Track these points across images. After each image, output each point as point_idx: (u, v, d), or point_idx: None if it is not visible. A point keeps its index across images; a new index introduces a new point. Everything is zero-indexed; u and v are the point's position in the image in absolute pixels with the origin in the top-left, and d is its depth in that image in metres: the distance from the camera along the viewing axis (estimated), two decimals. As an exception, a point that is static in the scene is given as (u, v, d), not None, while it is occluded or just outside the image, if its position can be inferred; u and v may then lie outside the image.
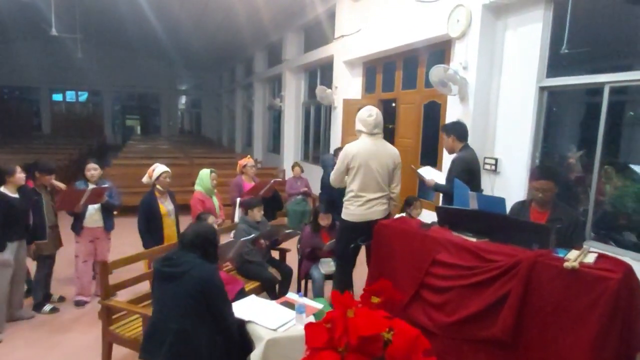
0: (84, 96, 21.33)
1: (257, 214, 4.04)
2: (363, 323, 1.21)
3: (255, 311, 2.56)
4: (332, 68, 8.20)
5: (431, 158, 5.86)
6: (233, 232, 4.07)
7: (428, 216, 3.96)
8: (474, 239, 2.57)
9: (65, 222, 4.20)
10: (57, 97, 20.57)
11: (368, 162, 3.26)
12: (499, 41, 4.64)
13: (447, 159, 4.53)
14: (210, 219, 3.65)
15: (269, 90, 13.49)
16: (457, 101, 4.89)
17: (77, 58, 12.27)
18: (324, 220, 4.04)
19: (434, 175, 3.84)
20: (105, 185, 4.08)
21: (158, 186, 3.90)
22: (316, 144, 10.39)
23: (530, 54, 4.32)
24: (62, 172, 7.96)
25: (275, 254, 4.26)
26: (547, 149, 4.67)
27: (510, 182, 4.54)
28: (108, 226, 4.20)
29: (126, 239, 4.65)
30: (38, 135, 17.39)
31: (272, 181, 5.07)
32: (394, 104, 6.88)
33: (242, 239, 3.57)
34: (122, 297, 3.17)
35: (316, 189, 6.43)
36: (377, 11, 6.64)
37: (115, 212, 4.29)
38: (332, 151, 6.66)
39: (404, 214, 3.90)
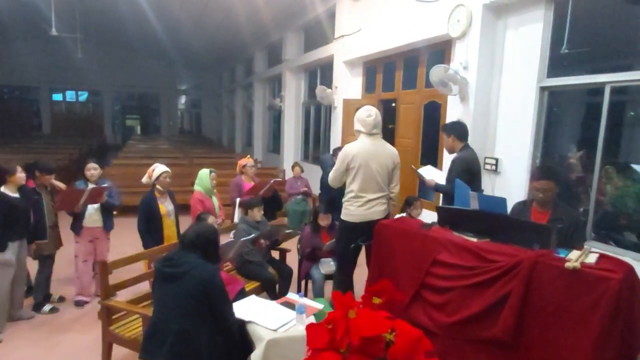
0: (84, 96, 21.33)
1: (257, 214, 4.03)
2: (365, 324, 1.21)
3: (255, 311, 2.55)
4: (332, 68, 8.20)
5: (431, 158, 5.86)
6: (233, 232, 4.06)
7: (428, 216, 3.96)
8: (474, 239, 2.56)
9: (64, 222, 4.20)
10: (57, 97, 20.56)
11: (368, 163, 3.25)
12: (500, 41, 4.63)
13: (447, 159, 4.52)
14: (210, 219, 3.65)
15: (269, 90, 13.49)
16: (457, 101, 4.89)
17: (77, 58, 12.26)
18: (324, 221, 4.03)
19: (435, 175, 3.84)
20: (105, 185, 4.07)
21: (158, 186, 3.89)
22: (316, 144, 10.39)
23: (530, 54, 4.31)
24: (62, 172, 7.95)
25: (275, 254, 4.26)
26: (548, 149, 4.66)
27: (510, 182, 4.53)
28: (107, 226, 4.19)
29: (126, 239, 4.65)
30: (38, 135, 17.38)
31: (272, 181, 5.06)
32: (394, 104, 6.88)
33: (242, 239, 3.57)
34: (122, 297, 3.16)
35: (316, 189, 6.43)
36: (377, 11, 6.63)
37: (114, 212, 4.28)
38: (331, 151, 6.65)
39: (404, 214, 3.90)
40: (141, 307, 3.03)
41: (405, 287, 2.71)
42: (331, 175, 3.44)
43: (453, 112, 5.00)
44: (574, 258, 2.16)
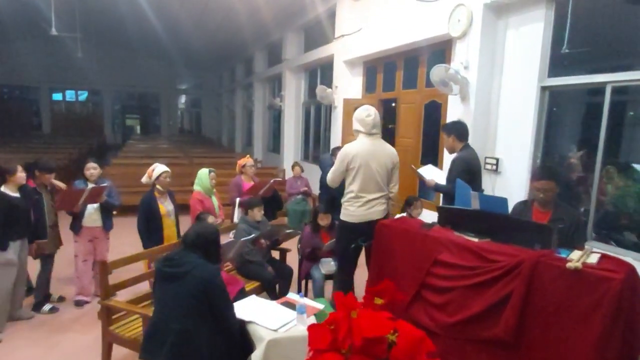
0: (83, 96, 21.31)
1: (258, 213, 4.02)
2: (367, 325, 1.20)
3: (256, 311, 2.54)
4: (333, 68, 8.19)
5: (432, 158, 5.85)
6: (233, 232, 4.05)
7: (428, 216, 3.95)
8: (475, 239, 2.56)
9: (64, 222, 4.19)
10: (57, 96, 20.54)
11: (368, 163, 3.24)
12: (500, 41, 4.63)
13: (447, 158, 4.52)
14: (210, 219, 3.64)
15: (269, 89, 13.48)
16: (458, 101, 4.88)
17: (77, 57, 12.24)
18: (324, 220, 4.02)
19: (435, 174, 3.83)
20: (104, 184, 4.06)
21: (158, 186, 3.88)
22: (316, 143, 10.38)
23: (531, 54, 4.30)
24: (62, 171, 7.94)
25: (275, 254, 4.25)
26: (548, 149, 4.66)
27: (511, 182, 4.53)
28: (107, 226, 4.18)
29: (126, 238, 4.64)
30: (38, 135, 17.36)
31: (271, 181, 5.06)
32: (394, 104, 6.87)
33: (242, 239, 3.56)
34: (122, 297, 3.16)
35: (316, 189, 6.42)
36: (377, 11, 6.62)
37: (114, 212, 4.27)
38: (330, 151, 6.63)
39: (404, 214, 3.89)
40: (141, 307, 3.02)
41: (405, 287, 2.70)
42: (330, 175, 3.40)
43: (454, 112, 4.99)
44: (575, 258, 2.16)
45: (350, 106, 7.24)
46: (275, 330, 2.36)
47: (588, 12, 4.20)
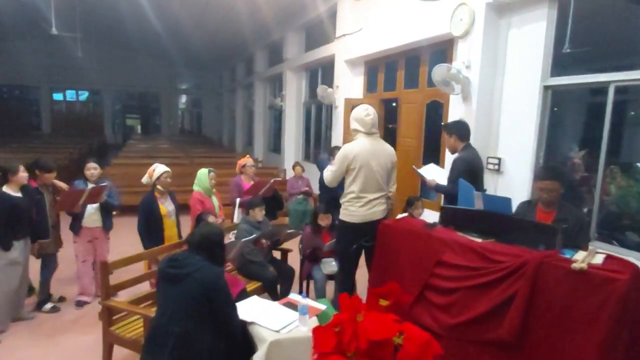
0: (84, 95, 21.31)
1: (259, 213, 4.01)
2: (373, 327, 1.18)
3: (257, 312, 2.52)
4: (334, 67, 8.17)
5: (433, 158, 5.82)
6: (234, 232, 4.04)
7: (430, 216, 3.93)
8: (479, 240, 2.54)
9: (65, 222, 4.18)
10: (58, 96, 20.54)
11: (369, 163, 3.21)
12: (503, 40, 4.61)
13: (449, 158, 4.49)
14: (210, 219, 3.62)
15: (270, 89, 13.45)
16: (459, 100, 4.86)
17: (77, 57, 12.23)
18: (324, 221, 4.00)
19: (437, 173, 3.80)
20: (104, 184, 4.04)
21: (158, 186, 3.86)
22: (317, 143, 10.36)
23: (534, 53, 4.28)
24: (62, 171, 7.92)
25: (277, 254, 4.23)
26: (551, 149, 4.63)
27: (513, 182, 4.50)
28: (107, 226, 4.17)
29: (126, 239, 4.62)
30: (38, 135, 17.35)
31: (271, 181, 5.03)
32: (395, 104, 6.85)
33: (243, 239, 3.54)
34: (123, 297, 3.14)
35: (317, 189, 6.40)
36: (378, 10, 6.60)
37: (114, 213, 4.26)
38: (327, 151, 6.58)
39: (406, 214, 3.87)
40: (142, 307, 3.01)
41: (409, 288, 2.69)
42: (329, 175, 3.35)
43: (455, 112, 4.97)
44: (580, 259, 2.14)
45: (351, 106, 7.21)
46: (277, 331, 2.34)
47: (591, 11, 4.18)
